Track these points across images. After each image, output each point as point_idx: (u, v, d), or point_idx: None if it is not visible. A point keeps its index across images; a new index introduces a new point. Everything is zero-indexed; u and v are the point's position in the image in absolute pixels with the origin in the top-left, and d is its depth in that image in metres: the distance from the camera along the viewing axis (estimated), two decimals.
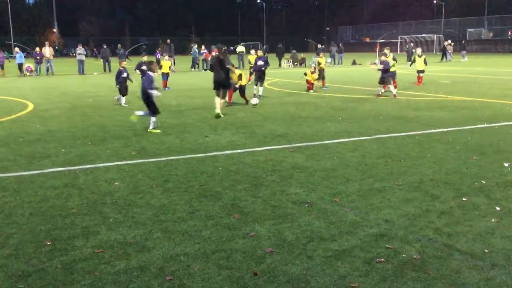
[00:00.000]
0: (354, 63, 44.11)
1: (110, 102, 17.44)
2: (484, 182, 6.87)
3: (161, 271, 4.33)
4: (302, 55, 44.50)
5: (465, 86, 21.00)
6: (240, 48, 40.82)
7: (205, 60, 37.15)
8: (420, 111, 13.96)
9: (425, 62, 21.50)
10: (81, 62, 34.41)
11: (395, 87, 17.68)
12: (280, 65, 40.99)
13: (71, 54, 57.92)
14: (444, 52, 45.21)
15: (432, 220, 5.45)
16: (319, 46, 45.88)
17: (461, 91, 18.87)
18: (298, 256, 4.60)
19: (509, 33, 66.09)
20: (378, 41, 63.01)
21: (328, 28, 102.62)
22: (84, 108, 15.89)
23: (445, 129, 11.02)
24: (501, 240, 4.90)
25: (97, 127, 12.13)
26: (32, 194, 6.64)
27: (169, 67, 22.88)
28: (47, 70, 33.67)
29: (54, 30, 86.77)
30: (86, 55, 42.59)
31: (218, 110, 13.18)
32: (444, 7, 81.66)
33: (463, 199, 6.17)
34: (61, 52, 77.89)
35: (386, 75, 16.95)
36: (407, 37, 64.15)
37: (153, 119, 11.44)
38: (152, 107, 11.42)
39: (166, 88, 21.62)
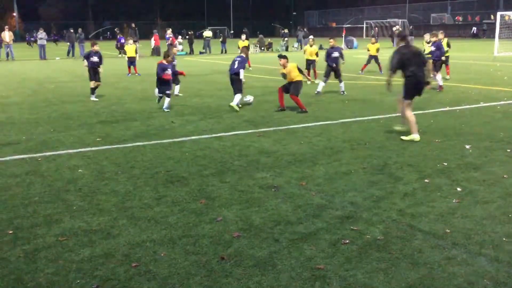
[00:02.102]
0: (320, 47, 44.27)
1: (73, 88, 17.05)
2: (446, 164, 7.04)
3: (126, 258, 4.29)
4: (269, 39, 44.39)
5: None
6: (207, 33, 40.43)
7: (171, 45, 36.59)
8: (385, 96, 14.15)
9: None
10: (42, 47, 33.44)
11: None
12: None
13: (31, 44, 54.92)
14: (393, 38, 45.44)
15: (396, 202, 5.57)
16: (281, 30, 45.74)
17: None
18: (265, 239, 4.63)
19: (473, 29, 67.54)
20: (344, 26, 63.37)
21: (294, 13, 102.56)
22: (46, 94, 15.49)
23: None
24: (461, 220, 5.04)
25: (60, 114, 11.85)
26: None
27: (135, 52, 22.28)
28: (7, 55, 32.60)
29: (14, 14, 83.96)
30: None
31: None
32: None
33: (426, 180, 6.31)
34: (23, 37, 75.49)
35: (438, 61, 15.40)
36: (372, 22, 64.73)
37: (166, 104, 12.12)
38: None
39: (137, 74, 21.13)
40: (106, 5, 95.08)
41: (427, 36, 18.45)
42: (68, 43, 35.60)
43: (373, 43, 21.10)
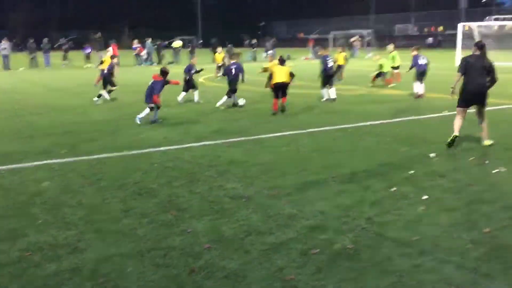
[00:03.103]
0: (288, 58, 44.66)
1: (39, 98, 16.71)
2: (412, 172, 7.17)
3: (94, 272, 4.20)
4: (238, 49, 44.53)
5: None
6: (177, 43, 40.24)
7: (137, 55, 36.32)
8: (351, 105, 14.37)
9: (346, 59, 22.04)
10: (5, 57, 32.64)
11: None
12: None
13: None
14: (351, 47, 46.04)
15: (364, 210, 5.63)
16: (245, 41, 45.86)
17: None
18: (235, 251, 4.61)
19: (429, 38, 69.42)
20: (311, 36, 64.08)
21: (263, 23, 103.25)
22: (12, 105, 15.12)
23: (375, 122, 11.40)
24: (428, 227, 5.13)
25: (25, 125, 11.57)
26: None
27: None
28: None
29: None
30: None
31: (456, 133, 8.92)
32: (375, 3, 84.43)
33: (393, 189, 6.41)
34: None
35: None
36: (338, 33, 65.68)
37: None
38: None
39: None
40: (72, 15, 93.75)
41: (390, 47, 19.14)
42: (29, 53, 34.71)
43: (340, 53, 21.45)
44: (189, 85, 15.41)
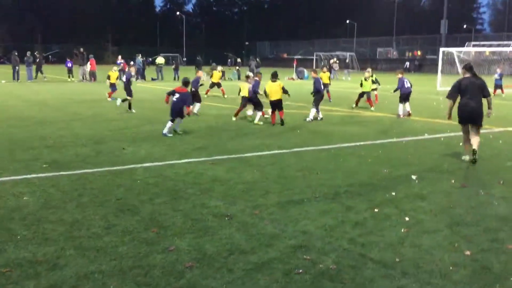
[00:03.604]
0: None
1: (19, 112, 16.51)
2: (394, 193, 7.23)
3: None
4: (221, 68, 44.71)
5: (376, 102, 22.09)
6: (160, 60, 40.30)
7: (122, 70, 36.18)
8: (335, 126, 14.50)
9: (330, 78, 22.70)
10: None
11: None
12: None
13: None
14: (330, 69, 46.59)
15: (347, 231, 5.65)
16: (230, 59, 46.05)
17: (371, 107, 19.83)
18: (218, 269, 4.57)
19: (406, 63, 70.81)
20: (295, 57, 64.76)
21: (247, 43, 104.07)
22: None
23: (358, 143, 11.51)
24: (410, 249, 5.17)
25: (4, 138, 11.40)
26: None
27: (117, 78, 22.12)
28: None
29: None
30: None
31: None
32: (356, 27, 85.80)
33: (375, 210, 6.45)
34: None
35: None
36: (322, 54, 66.47)
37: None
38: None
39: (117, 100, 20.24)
40: (55, 29, 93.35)
41: (367, 74, 19.48)
42: (12, 66, 34.35)
43: (324, 72, 21.85)
44: (194, 97, 15.64)
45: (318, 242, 5.28)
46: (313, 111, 15.42)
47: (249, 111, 15.38)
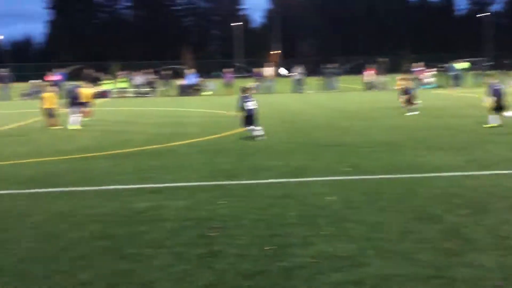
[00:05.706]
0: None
1: (328, 120, 17.91)
2: None
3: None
4: None
5: None
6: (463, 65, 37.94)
7: (415, 78, 35.74)
8: None
9: None
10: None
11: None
12: None
13: None
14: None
15: None
16: None
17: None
18: None
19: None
20: None
21: None
22: (300, 124, 16.63)
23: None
24: None
25: (309, 140, 12.54)
26: (257, 201, 7.17)
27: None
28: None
29: None
30: None
31: None
32: None
33: None
34: None
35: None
36: None
37: None
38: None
39: None
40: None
41: None
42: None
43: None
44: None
45: None
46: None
47: None
